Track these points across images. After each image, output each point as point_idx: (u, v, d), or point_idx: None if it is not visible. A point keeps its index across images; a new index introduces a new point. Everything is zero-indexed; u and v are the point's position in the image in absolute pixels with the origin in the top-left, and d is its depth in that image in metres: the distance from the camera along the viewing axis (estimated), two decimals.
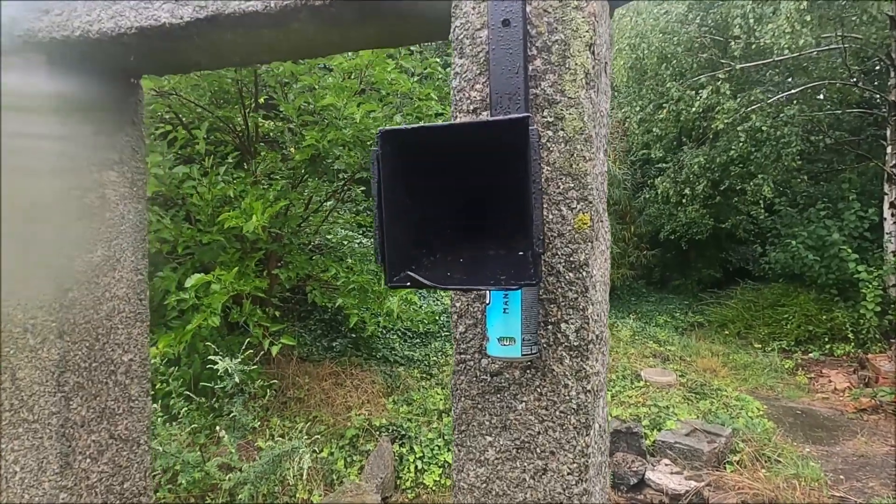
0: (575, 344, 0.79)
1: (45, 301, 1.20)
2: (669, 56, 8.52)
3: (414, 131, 0.58)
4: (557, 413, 0.80)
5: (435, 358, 5.93)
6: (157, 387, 3.65)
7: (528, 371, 0.82)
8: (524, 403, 0.82)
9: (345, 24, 0.97)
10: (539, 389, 0.81)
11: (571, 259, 0.78)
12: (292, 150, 4.46)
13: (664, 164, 9.66)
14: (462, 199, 0.69)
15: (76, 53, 1.15)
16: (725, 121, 7.49)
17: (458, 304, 0.85)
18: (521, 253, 0.64)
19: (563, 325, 0.80)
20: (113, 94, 1.29)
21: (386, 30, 1.01)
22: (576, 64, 0.77)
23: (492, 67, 0.77)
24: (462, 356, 0.86)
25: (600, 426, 0.88)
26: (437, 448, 3.98)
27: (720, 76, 7.58)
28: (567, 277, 0.79)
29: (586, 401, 0.79)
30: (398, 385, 5.14)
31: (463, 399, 0.86)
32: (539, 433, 0.81)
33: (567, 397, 0.80)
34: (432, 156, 0.63)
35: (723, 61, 8.17)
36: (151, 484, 1.46)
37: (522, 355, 0.74)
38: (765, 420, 4.87)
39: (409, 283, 0.62)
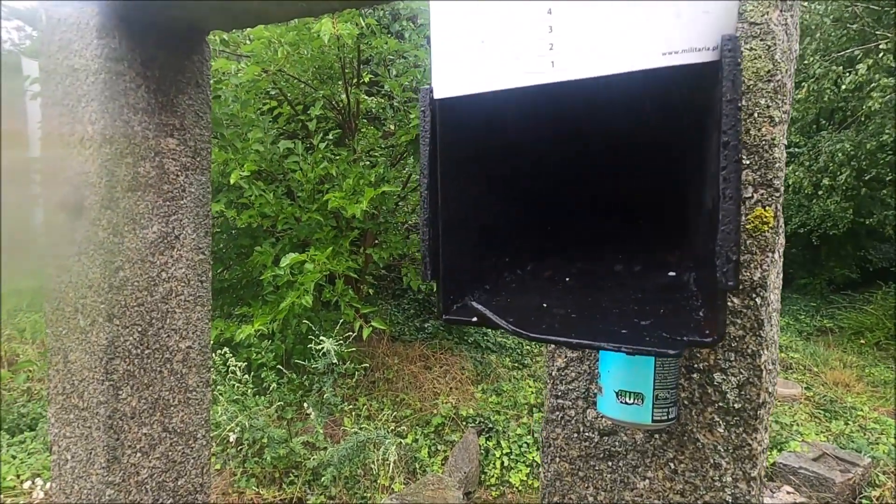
0: (736, 406, 0.52)
1: (94, 280, 1.09)
2: (814, 28, 7.50)
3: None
4: None
5: (528, 347, 5.66)
6: (252, 358, 3.71)
7: (657, 436, 0.56)
8: (648, 481, 0.56)
9: None
10: (673, 465, 0.55)
11: (740, 276, 0.51)
12: (392, 126, 4.35)
13: (797, 150, 8.60)
14: (568, 174, 0.43)
15: (129, 3, 1.01)
16: (880, 100, 6.47)
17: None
18: (672, 274, 0.38)
19: (717, 376, 0.53)
20: (174, 51, 1.15)
21: None
22: None
23: None
24: (559, 401, 0.61)
25: None
26: (525, 445, 3.76)
27: (883, 46, 6.52)
28: (730, 304, 0.51)
29: (748, 492, 0.52)
30: (488, 373, 4.94)
31: (557, 460, 0.61)
32: None
33: (718, 483, 0.53)
34: (520, 99, 0.38)
35: (877, 33, 7.05)
36: (210, 480, 1.35)
37: (654, 421, 0.48)
38: None
39: (475, 320, 0.38)
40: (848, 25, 7.51)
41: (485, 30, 0.40)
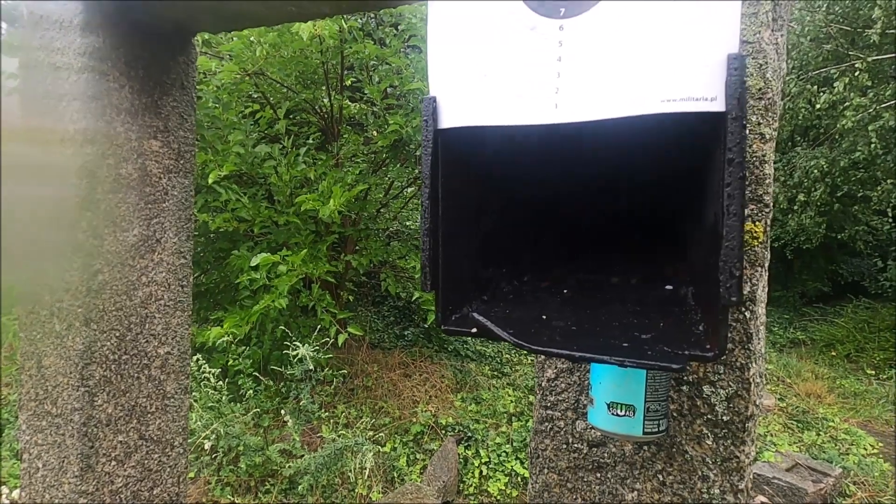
0: (724, 419, 0.52)
1: (72, 283, 1.06)
2: (791, 47, 7.72)
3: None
4: None
5: (508, 356, 5.67)
6: (229, 363, 3.65)
7: (645, 448, 0.56)
8: (636, 493, 0.56)
9: None
10: (661, 476, 0.55)
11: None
12: (374, 133, 4.35)
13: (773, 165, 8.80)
14: (563, 191, 0.44)
15: (115, 2, 0.99)
16: (853, 119, 6.65)
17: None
18: (669, 287, 0.38)
19: (706, 389, 0.53)
20: (160, 52, 1.13)
21: None
22: None
23: None
24: (548, 412, 0.61)
25: None
26: (504, 454, 3.76)
27: (858, 66, 6.70)
28: None
29: None
30: (468, 382, 4.93)
31: (546, 471, 0.61)
32: None
33: (706, 495, 0.53)
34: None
35: (850, 53, 7.27)
36: (186, 489, 1.32)
37: (645, 433, 0.48)
38: (880, 461, 4.25)
39: (474, 331, 0.38)
40: (823, 45, 7.73)
41: (490, 64, 0.42)
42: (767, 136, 0.51)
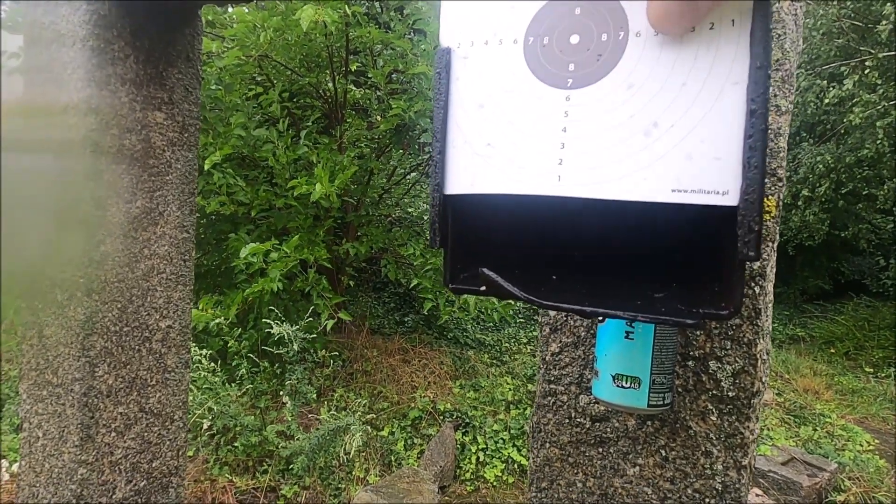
0: (730, 395, 0.52)
1: (74, 254, 1.05)
2: (802, 41, 7.67)
3: None
4: (690, 492, 0.54)
5: (507, 344, 5.68)
6: (229, 344, 3.65)
7: (649, 423, 0.56)
8: (638, 468, 0.56)
9: None
10: (664, 452, 0.55)
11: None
12: (378, 118, 4.32)
13: None
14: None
15: None
16: (861, 115, 6.60)
17: (551, 313, 0.60)
18: (683, 246, 0.37)
19: (712, 364, 0.53)
20: (166, 22, 1.12)
21: None
22: None
23: None
24: (551, 386, 0.61)
25: None
26: (501, 441, 3.78)
27: (868, 63, 6.64)
28: None
29: (738, 480, 0.52)
30: (466, 369, 4.95)
31: (547, 445, 0.61)
32: None
33: (709, 471, 0.53)
34: None
35: (861, 49, 7.21)
36: (185, 463, 1.32)
37: (650, 406, 0.48)
38: (876, 457, 4.27)
39: (483, 289, 0.37)
40: (835, 40, 7.67)
41: (491, 132, 0.42)
42: (783, 109, 0.50)
